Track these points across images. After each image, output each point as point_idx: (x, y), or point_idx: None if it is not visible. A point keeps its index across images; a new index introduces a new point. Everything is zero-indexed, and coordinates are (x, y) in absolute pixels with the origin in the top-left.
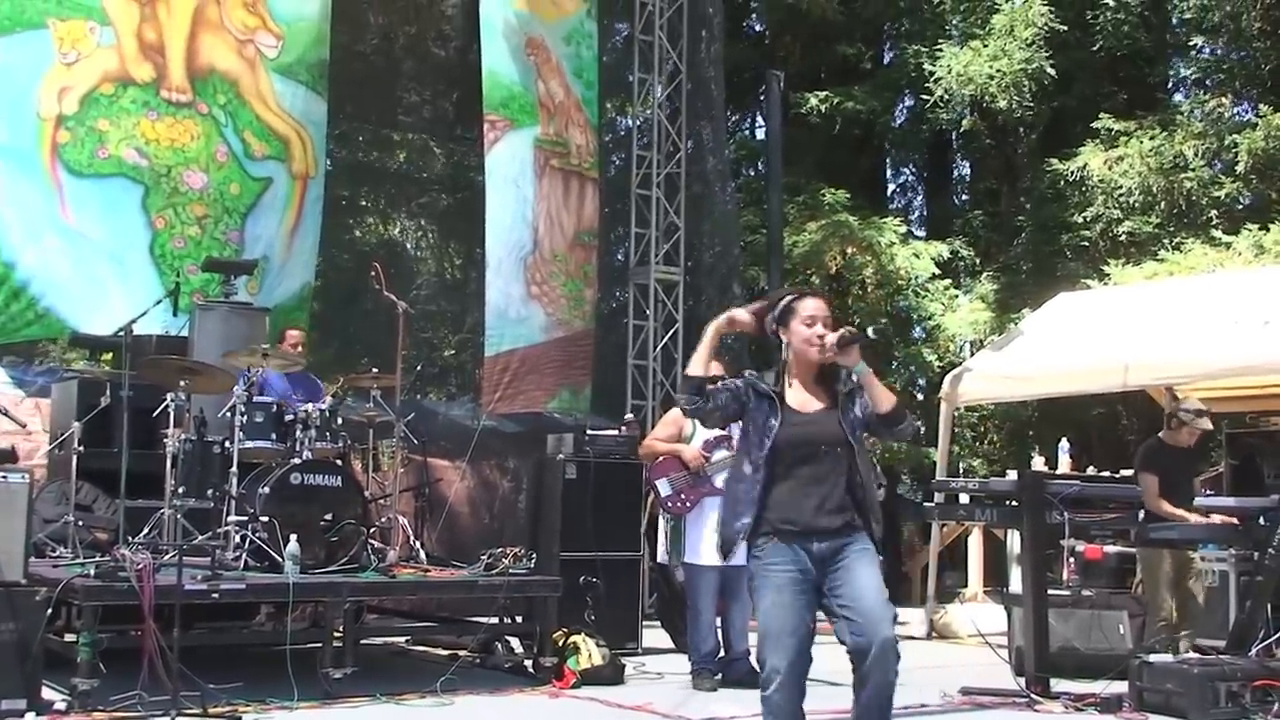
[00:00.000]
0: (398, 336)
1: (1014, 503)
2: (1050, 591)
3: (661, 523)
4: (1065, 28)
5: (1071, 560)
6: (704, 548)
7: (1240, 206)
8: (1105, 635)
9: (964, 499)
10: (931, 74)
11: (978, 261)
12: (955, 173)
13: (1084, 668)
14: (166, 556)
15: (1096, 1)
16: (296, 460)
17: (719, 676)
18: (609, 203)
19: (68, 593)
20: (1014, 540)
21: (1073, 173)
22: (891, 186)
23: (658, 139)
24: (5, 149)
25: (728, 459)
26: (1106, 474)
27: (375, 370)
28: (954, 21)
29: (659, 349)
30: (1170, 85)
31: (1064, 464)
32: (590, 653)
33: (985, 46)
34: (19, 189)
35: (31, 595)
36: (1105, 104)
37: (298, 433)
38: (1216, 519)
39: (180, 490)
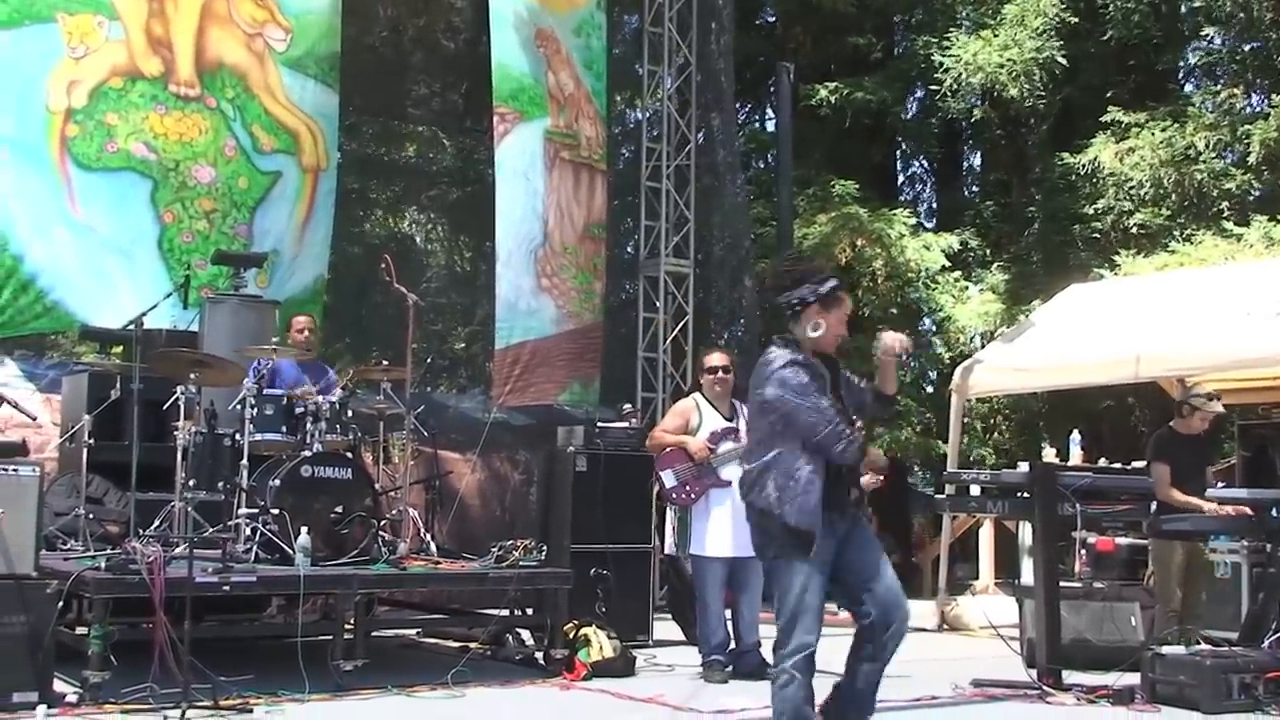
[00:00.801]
0: (408, 329)
1: (1025, 494)
2: (1062, 583)
3: (669, 514)
4: (1076, 19)
5: (1083, 552)
6: (710, 539)
7: (1252, 198)
8: (1117, 627)
9: (975, 491)
10: (942, 64)
11: (988, 253)
12: (966, 164)
13: (1096, 660)
14: (177, 549)
15: None
16: (307, 453)
17: (730, 669)
18: (619, 195)
19: (79, 585)
20: (1025, 532)
21: (1083, 164)
22: (901, 178)
23: (667, 131)
24: (14, 142)
25: (734, 450)
26: (1118, 466)
27: (385, 363)
28: (964, 12)
29: (669, 341)
30: (1181, 76)
31: (1075, 456)
32: (601, 645)
33: (996, 36)
34: (28, 182)
35: (43, 588)
36: (1115, 94)
37: (308, 425)
38: (1229, 510)
39: (191, 483)
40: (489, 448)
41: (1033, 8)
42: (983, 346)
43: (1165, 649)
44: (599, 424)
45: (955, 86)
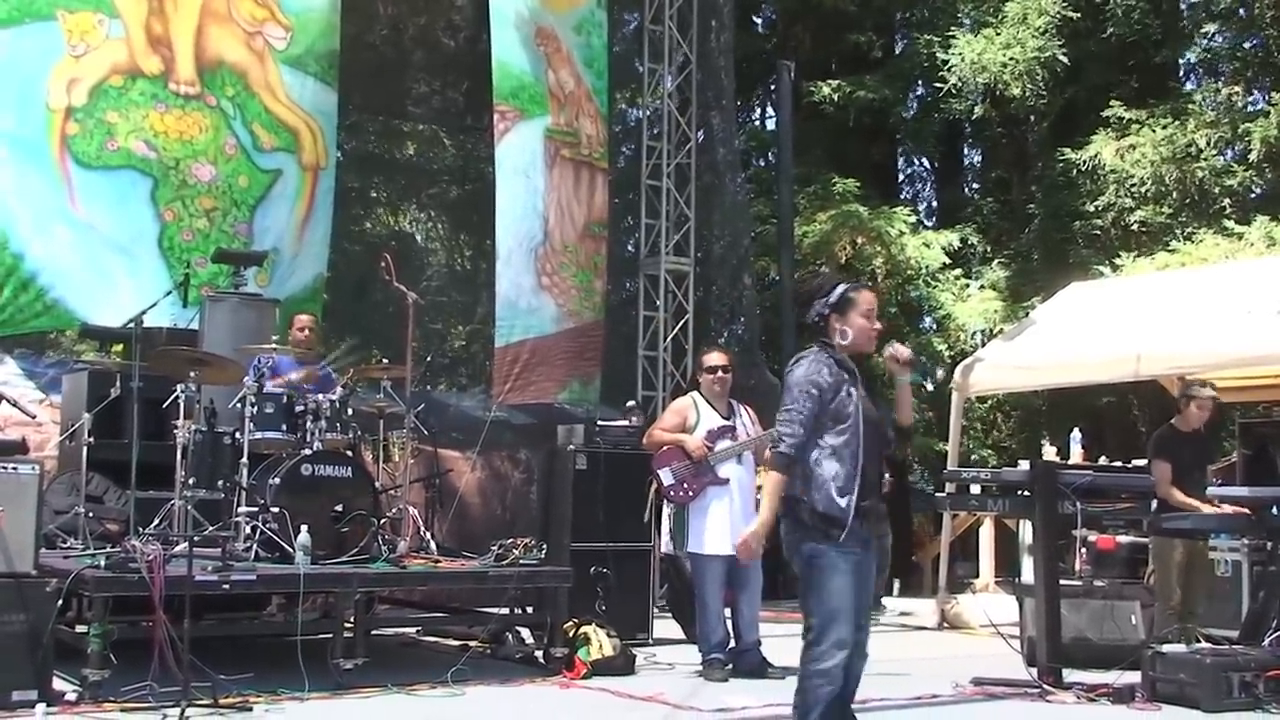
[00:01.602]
0: (408, 327)
1: (1026, 493)
2: (1062, 582)
3: (665, 512)
4: (1077, 15)
5: (1084, 550)
6: (708, 537)
7: (1253, 196)
8: (1118, 625)
9: (976, 489)
10: (944, 62)
11: (988, 250)
12: (966, 161)
13: (1096, 658)
14: (177, 547)
15: None
16: (307, 451)
17: (730, 667)
18: (619, 193)
19: (78, 584)
20: (1026, 530)
21: (1084, 162)
22: (902, 176)
23: (668, 129)
24: (14, 140)
25: (732, 448)
26: (1119, 464)
27: (385, 361)
28: (966, 10)
29: (669, 339)
30: (1182, 73)
31: (1076, 454)
32: (601, 643)
33: (998, 34)
34: (28, 180)
35: (42, 586)
36: (1116, 92)
37: (308, 423)
38: (1229, 509)
39: (191, 481)
40: (489, 446)
41: (1034, 6)
42: (983, 344)
43: (1166, 647)
44: (599, 422)
45: (959, 85)
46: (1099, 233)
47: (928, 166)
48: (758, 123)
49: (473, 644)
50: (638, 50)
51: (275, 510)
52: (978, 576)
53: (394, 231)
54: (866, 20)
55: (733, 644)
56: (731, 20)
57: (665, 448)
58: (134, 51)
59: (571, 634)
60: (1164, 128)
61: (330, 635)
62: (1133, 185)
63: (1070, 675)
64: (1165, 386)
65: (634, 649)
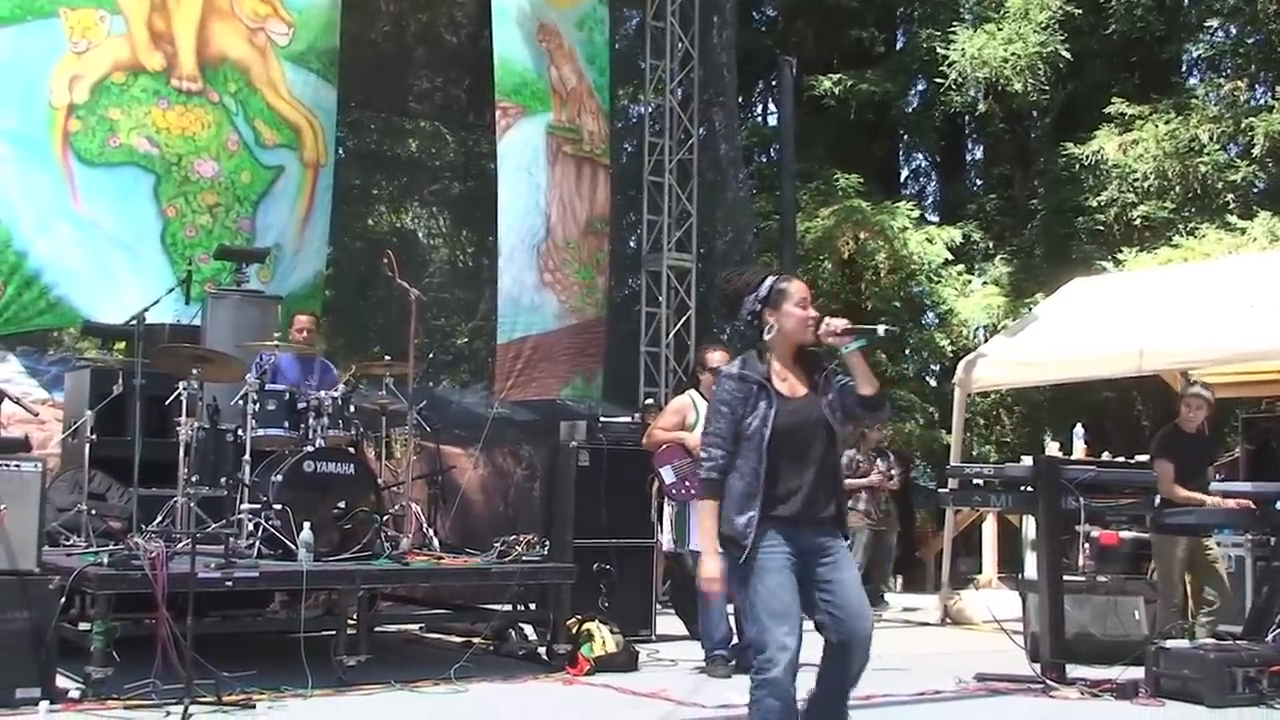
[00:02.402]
0: (410, 324)
1: (1029, 488)
2: (1066, 577)
3: (667, 510)
4: (1079, 11)
5: (1087, 546)
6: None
7: (1256, 190)
8: (1121, 621)
9: (979, 485)
10: (945, 57)
11: (991, 246)
12: (969, 157)
13: (1100, 653)
14: (180, 545)
15: None
16: (309, 448)
17: (733, 663)
18: (621, 190)
19: (81, 581)
20: (1029, 526)
21: (1087, 156)
22: (905, 171)
23: (670, 125)
24: (17, 137)
25: None
26: (1121, 459)
27: (388, 358)
28: (968, 5)
29: (671, 336)
30: (1184, 68)
31: (1079, 449)
32: (604, 640)
33: (1000, 29)
34: (31, 178)
35: (45, 584)
36: (1119, 88)
37: (310, 420)
38: (1233, 504)
39: (193, 478)
40: (491, 443)
41: (1036, 1)
42: (986, 340)
43: (1169, 642)
44: (601, 418)
45: (959, 80)
46: (1102, 228)
47: (930, 162)
48: (760, 118)
49: (476, 641)
50: (640, 46)
51: (278, 507)
52: (981, 572)
53: (396, 228)
54: (868, 15)
55: (735, 640)
56: (733, 16)
57: (666, 445)
58: (136, 48)
59: (574, 630)
60: (1167, 123)
61: (333, 632)
62: (1135, 180)
63: (1074, 671)
64: (1168, 382)
65: (637, 645)
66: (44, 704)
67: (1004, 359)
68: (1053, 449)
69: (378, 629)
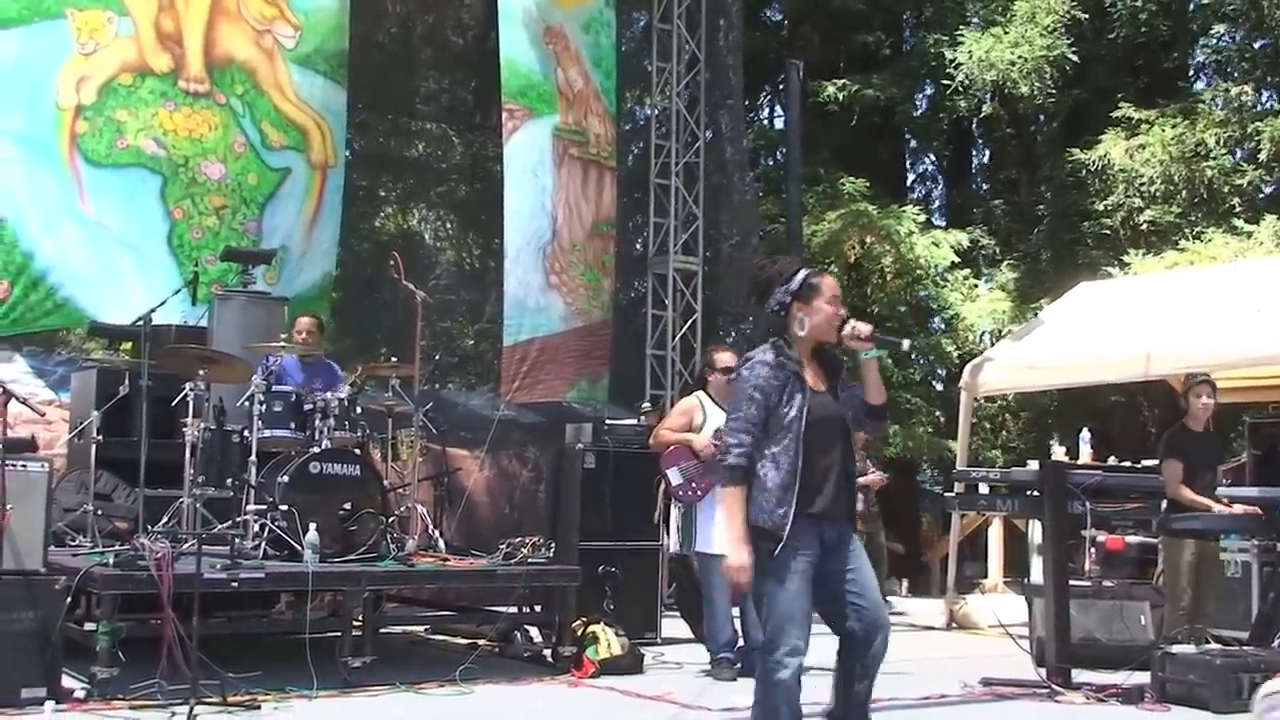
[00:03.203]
0: (416, 326)
1: (1035, 493)
2: (1071, 582)
3: (673, 512)
4: (1086, 15)
5: (1093, 551)
6: (716, 536)
7: (1262, 195)
8: (1127, 626)
9: (984, 489)
10: (952, 60)
11: (998, 250)
12: (975, 161)
13: (1105, 659)
14: (186, 545)
15: None
16: (315, 449)
17: (738, 666)
18: (627, 192)
19: (87, 581)
20: (1035, 530)
21: (1094, 161)
22: (911, 175)
23: (676, 128)
24: (24, 138)
25: None
26: (1128, 464)
27: (394, 360)
28: (975, 8)
29: (677, 339)
30: (1191, 73)
31: (1085, 454)
32: (609, 642)
33: (1006, 33)
34: (38, 179)
35: (51, 584)
36: (1125, 93)
37: (316, 422)
38: (1240, 509)
39: (199, 479)
40: (497, 445)
41: (1043, 5)
42: (992, 344)
43: (1175, 648)
44: (608, 421)
45: (966, 83)
46: (1108, 233)
47: (937, 166)
48: (766, 122)
49: (481, 643)
50: (646, 49)
51: (284, 508)
52: (986, 577)
53: (403, 230)
54: (875, 19)
55: (741, 643)
56: (740, 19)
57: (673, 447)
58: (143, 49)
59: (580, 633)
60: (1173, 127)
61: (338, 633)
62: (1142, 185)
63: (1079, 676)
64: (1175, 386)
65: (642, 648)
66: (49, 704)
67: (1010, 363)
68: (1059, 454)
69: (383, 630)
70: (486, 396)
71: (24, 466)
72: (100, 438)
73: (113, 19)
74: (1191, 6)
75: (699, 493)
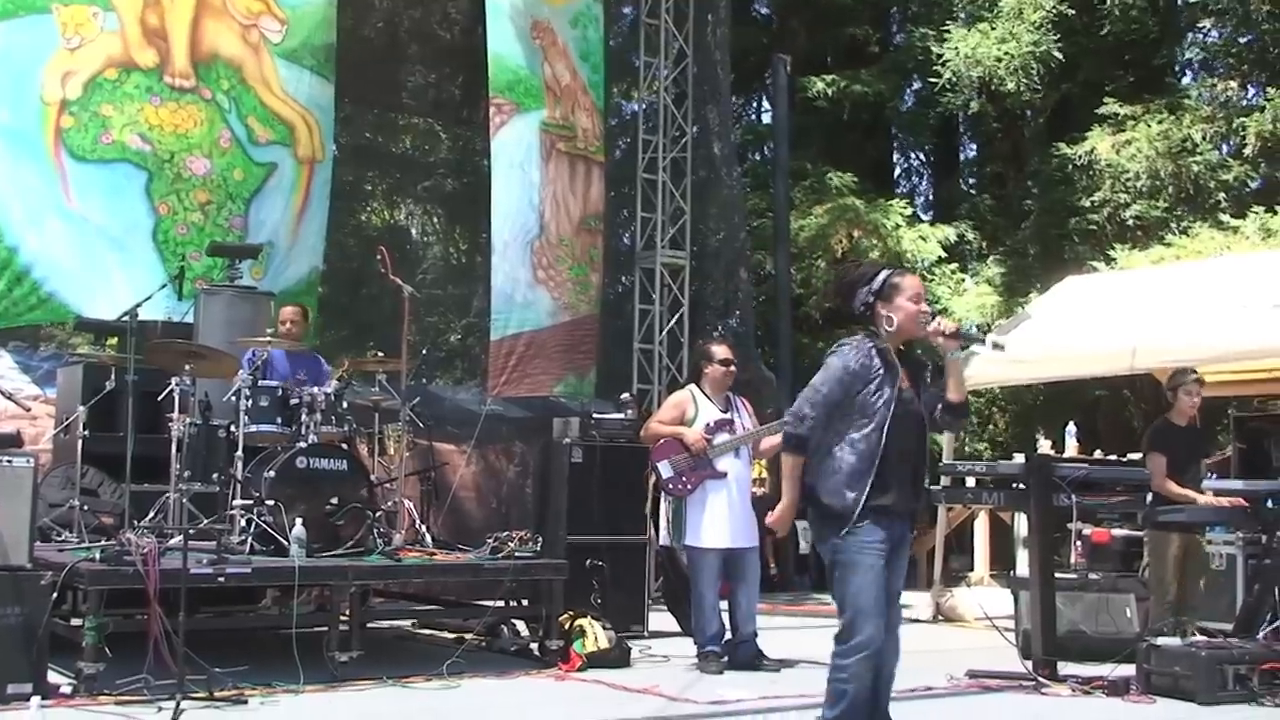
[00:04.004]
0: (403, 321)
1: (1021, 486)
2: (1057, 575)
3: (663, 505)
4: (1073, 11)
5: (1079, 543)
6: (705, 530)
7: (1248, 190)
8: (1112, 618)
9: (971, 482)
10: (939, 56)
11: (984, 245)
12: (962, 156)
13: (1091, 651)
14: (172, 541)
15: None
16: (302, 444)
17: (725, 659)
18: (614, 187)
19: (73, 577)
20: (1021, 523)
21: (1080, 156)
22: (898, 170)
23: (664, 123)
24: (9, 132)
25: (731, 442)
26: (1114, 457)
27: (381, 354)
28: (961, 4)
29: (665, 333)
30: (1177, 69)
31: (1071, 447)
32: (596, 636)
33: (993, 29)
34: (22, 173)
35: (37, 579)
36: (1112, 87)
37: (303, 417)
38: (1225, 501)
39: (185, 474)
40: (484, 439)
41: (1030, 1)
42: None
43: (1160, 640)
44: (594, 415)
45: (953, 80)
46: (1095, 228)
47: (924, 161)
48: (754, 116)
49: (468, 637)
50: (634, 44)
51: (270, 503)
52: (972, 570)
53: (390, 225)
54: (862, 13)
55: (729, 636)
56: (728, 14)
57: (664, 440)
58: (129, 44)
59: (567, 627)
60: (1159, 123)
61: (325, 628)
62: (1128, 180)
63: (1065, 668)
64: (1160, 380)
65: (629, 642)
66: (35, 699)
67: (996, 357)
68: (1045, 447)
69: (370, 625)
70: (473, 391)
71: (9, 462)
72: (86, 433)
73: (98, 14)
74: (1179, 2)
75: (689, 486)
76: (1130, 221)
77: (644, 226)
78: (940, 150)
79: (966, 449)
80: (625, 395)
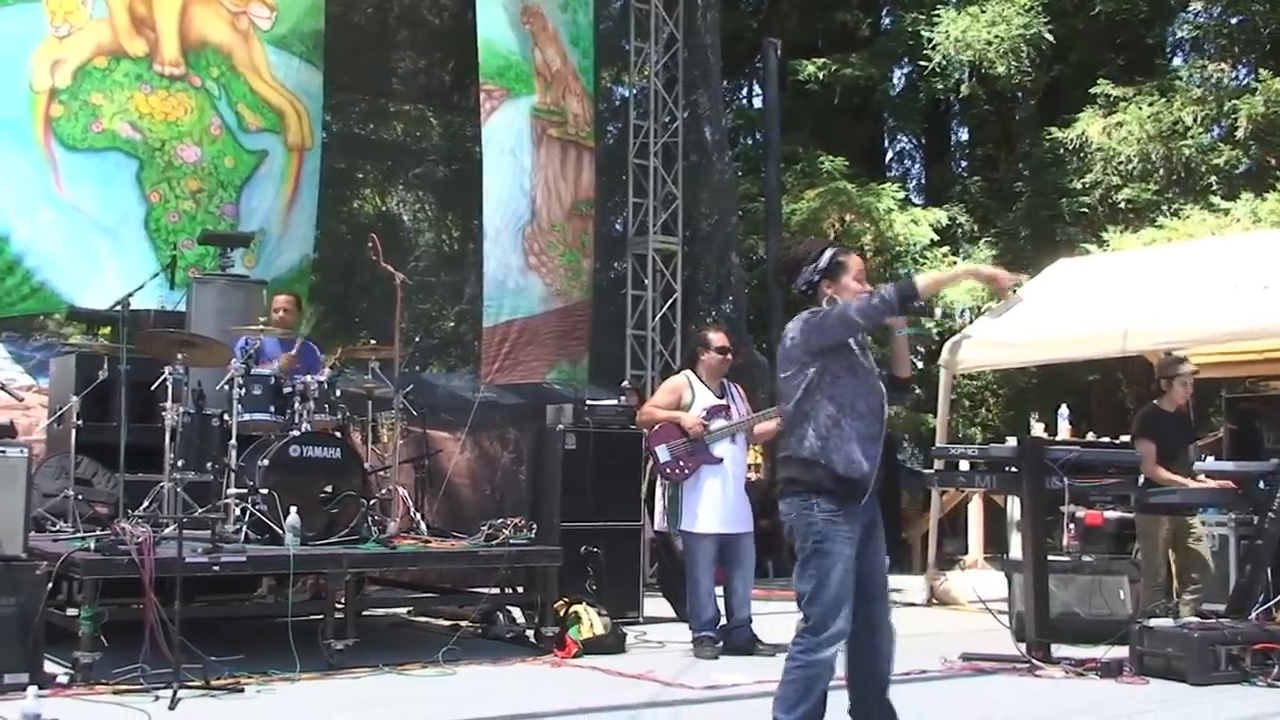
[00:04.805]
0: (396, 308)
1: (1014, 469)
2: (1050, 557)
3: (659, 490)
4: None
5: (1071, 526)
6: (701, 515)
7: (1239, 172)
8: (1105, 601)
9: (964, 466)
10: (929, 40)
11: (976, 228)
12: (953, 139)
13: (1084, 633)
14: (167, 530)
15: None
16: (295, 433)
17: (720, 644)
18: (606, 172)
19: (68, 567)
20: (1014, 506)
21: (1071, 139)
22: (890, 154)
23: (654, 108)
24: None
25: (727, 427)
26: (1106, 440)
27: (374, 342)
28: None
29: (657, 319)
30: (1169, 50)
31: (1063, 430)
32: (592, 622)
33: (984, 12)
34: (12, 162)
35: (32, 569)
36: (1103, 70)
37: (296, 405)
38: (1216, 483)
39: (179, 463)
40: (478, 426)
41: None
42: (970, 322)
43: (1153, 621)
44: (588, 402)
45: (943, 63)
46: (1086, 211)
47: (915, 144)
48: (745, 101)
49: (463, 624)
50: (624, 28)
51: (264, 492)
52: (966, 553)
53: (381, 212)
54: None
55: (724, 621)
56: None
57: (660, 425)
58: (118, 32)
59: (562, 613)
60: (1151, 105)
61: (321, 616)
62: (1119, 163)
63: (1058, 650)
64: (1152, 362)
65: (625, 628)
66: (32, 689)
67: (989, 340)
68: (1038, 430)
69: (365, 613)
70: (467, 378)
71: (3, 452)
72: (80, 423)
73: (86, 2)
74: None
75: (686, 471)
76: (1122, 204)
77: (636, 212)
78: (931, 134)
79: (960, 433)
80: (625, 383)
